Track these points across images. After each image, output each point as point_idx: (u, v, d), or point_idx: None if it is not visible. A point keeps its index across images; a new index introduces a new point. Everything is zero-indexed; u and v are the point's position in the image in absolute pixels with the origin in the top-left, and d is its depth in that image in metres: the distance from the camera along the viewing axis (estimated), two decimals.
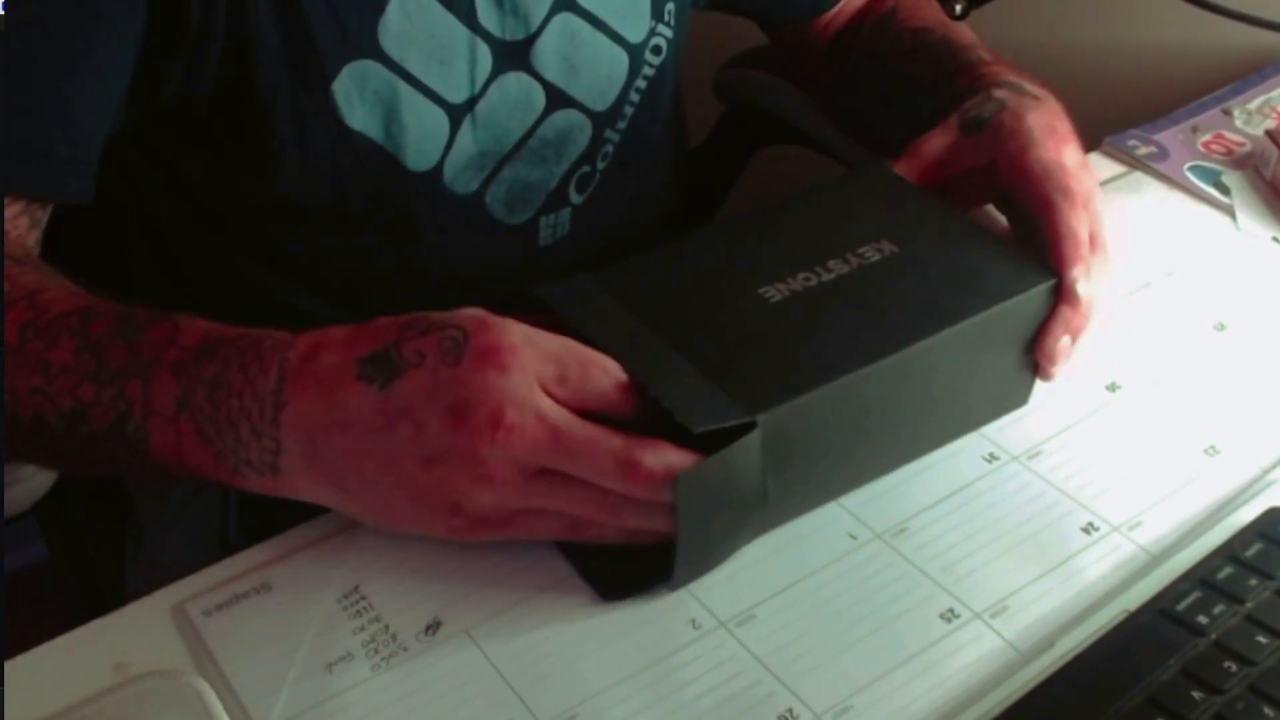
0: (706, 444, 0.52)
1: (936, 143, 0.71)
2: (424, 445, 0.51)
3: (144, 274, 0.86)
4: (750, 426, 0.53)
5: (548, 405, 0.51)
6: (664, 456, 0.52)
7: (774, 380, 0.55)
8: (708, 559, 0.57)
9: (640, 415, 0.53)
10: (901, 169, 0.70)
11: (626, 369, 0.54)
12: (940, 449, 0.64)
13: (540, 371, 0.52)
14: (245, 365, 0.54)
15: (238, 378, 0.54)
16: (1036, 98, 0.72)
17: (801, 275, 0.61)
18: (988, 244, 0.64)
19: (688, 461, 0.52)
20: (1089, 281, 0.62)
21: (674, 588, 0.57)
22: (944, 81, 0.78)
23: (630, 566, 0.56)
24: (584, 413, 0.53)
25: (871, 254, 0.62)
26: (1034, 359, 0.64)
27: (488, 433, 0.50)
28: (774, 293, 0.60)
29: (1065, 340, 0.63)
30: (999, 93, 0.72)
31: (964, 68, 0.78)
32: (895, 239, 0.63)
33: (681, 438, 0.52)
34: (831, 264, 0.61)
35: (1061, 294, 0.62)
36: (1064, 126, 0.70)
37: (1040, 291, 0.61)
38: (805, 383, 0.55)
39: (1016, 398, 0.66)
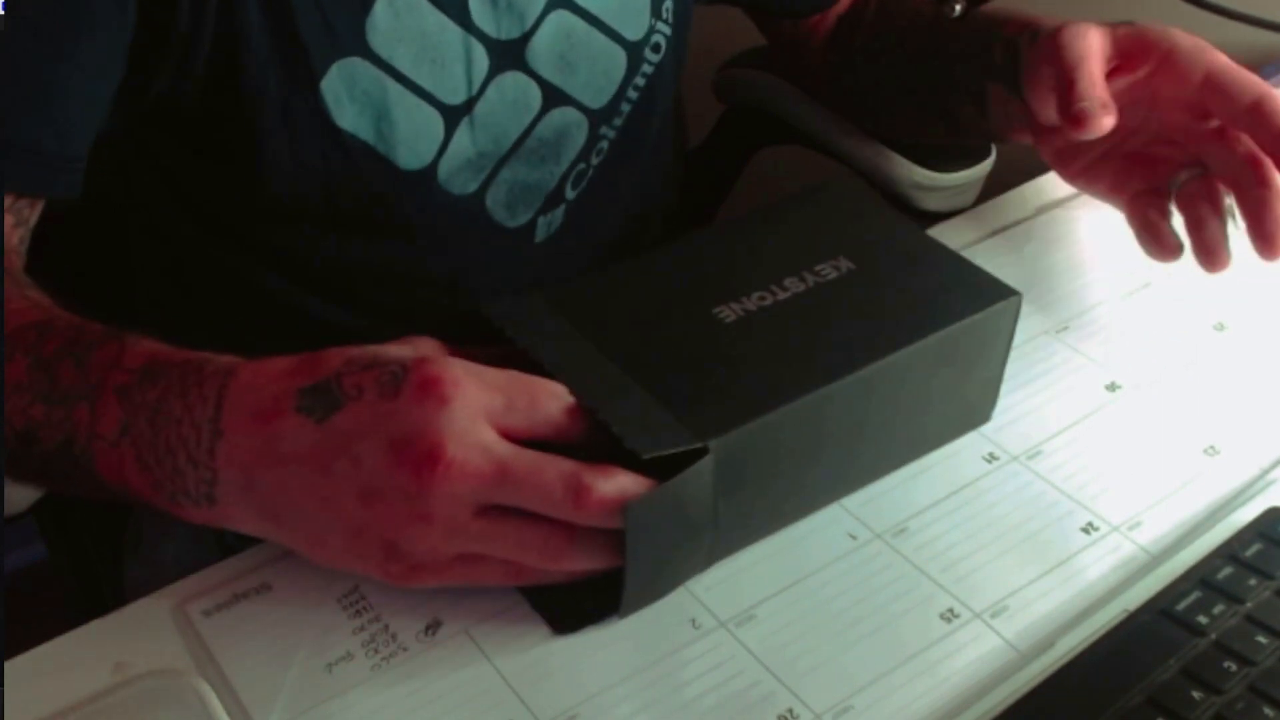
0: (659, 468, 0.51)
1: (1096, 35, 0.68)
2: (361, 481, 0.49)
3: (146, 277, 0.86)
4: (702, 452, 0.52)
5: (491, 438, 0.49)
6: (616, 482, 0.50)
7: (727, 404, 0.54)
8: (657, 587, 0.56)
9: (593, 441, 0.52)
10: (1086, 68, 0.66)
11: (574, 393, 0.53)
12: (939, 449, 0.64)
13: (487, 403, 0.50)
14: (185, 391, 0.53)
15: (177, 404, 0.53)
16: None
17: (757, 295, 0.60)
18: (948, 261, 0.63)
19: (640, 486, 0.50)
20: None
21: (622, 615, 0.56)
22: (984, 36, 0.76)
23: (581, 598, 0.55)
24: (534, 443, 0.51)
25: (829, 272, 0.61)
26: (1258, 242, 0.64)
27: (427, 468, 0.48)
28: (728, 313, 0.59)
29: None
30: (1046, 22, 0.70)
31: (1008, 22, 0.76)
32: (854, 256, 0.62)
33: (635, 462, 0.51)
34: (788, 282, 0.60)
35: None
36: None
37: (1000, 309, 0.61)
38: (759, 406, 0.54)
39: (978, 416, 0.65)
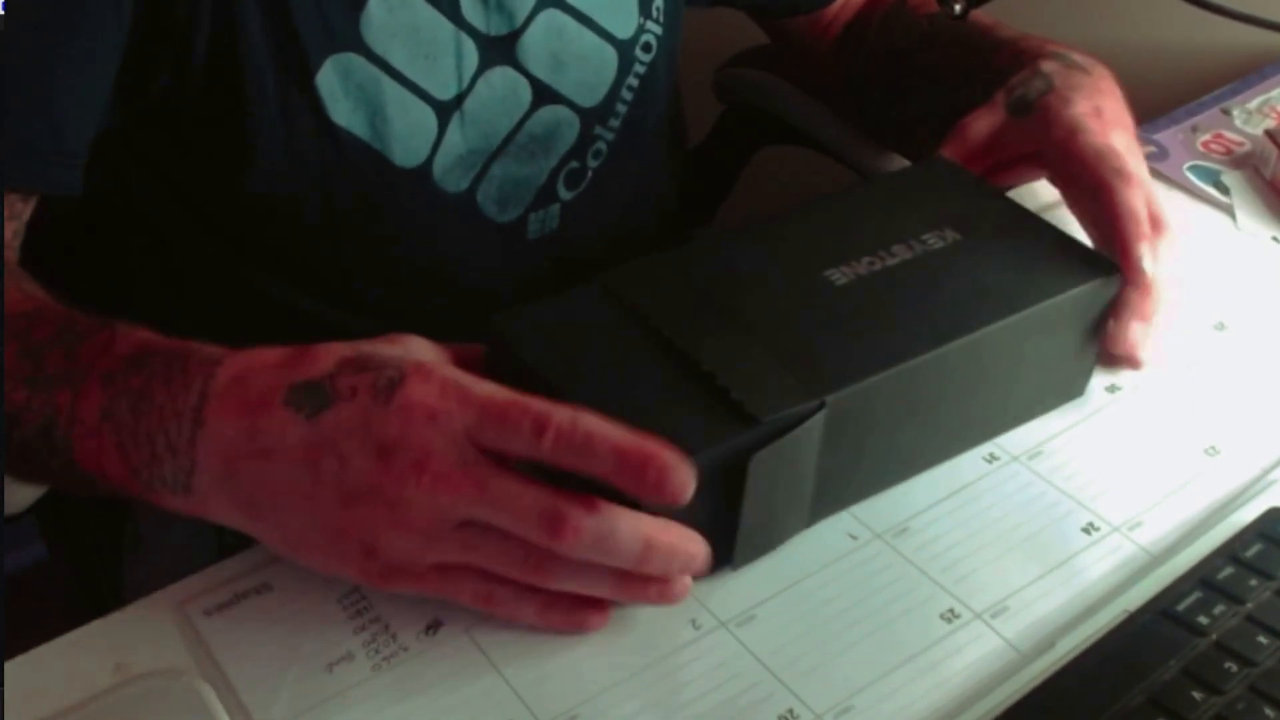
0: (749, 418, 0.52)
1: (983, 124, 0.70)
2: (345, 482, 0.49)
3: (144, 279, 0.86)
4: (818, 408, 0.54)
5: (473, 456, 0.49)
6: (592, 511, 0.49)
7: (840, 361, 0.56)
8: (767, 539, 0.58)
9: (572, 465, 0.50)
10: (947, 152, 0.70)
11: (690, 351, 0.55)
12: None
13: (464, 417, 0.49)
14: (170, 379, 0.53)
15: (160, 391, 0.52)
16: (1085, 70, 0.71)
17: (866, 260, 0.61)
18: (1051, 235, 0.65)
19: (617, 519, 0.50)
20: (1155, 260, 0.62)
21: (736, 567, 0.57)
22: (978, 64, 0.77)
23: None
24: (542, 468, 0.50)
25: (935, 241, 0.63)
26: (1109, 350, 0.64)
27: (411, 476, 0.49)
28: (839, 276, 0.60)
29: (1139, 326, 0.63)
30: (1047, 66, 0.71)
31: (1000, 45, 0.77)
32: (959, 228, 0.64)
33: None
34: (895, 249, 0.62)
35: (1129, 275, 0.61)
36: (1111, 106, 0.70)
37: (1102, 283, 0.62)
38: (872, 365, 0.56)
39: (1074, 389, 0.67)
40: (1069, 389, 0.66)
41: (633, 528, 0.50)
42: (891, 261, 0.61)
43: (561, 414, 0.49)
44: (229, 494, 0.52)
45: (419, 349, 0.55)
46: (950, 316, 0.59)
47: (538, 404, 0.50)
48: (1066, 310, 0.62)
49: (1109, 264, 0.63)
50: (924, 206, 0.65)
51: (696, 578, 0.55)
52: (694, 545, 0.52)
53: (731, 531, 0.55)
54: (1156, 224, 0.64)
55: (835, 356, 0.56)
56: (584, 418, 0.49)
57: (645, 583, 0.53)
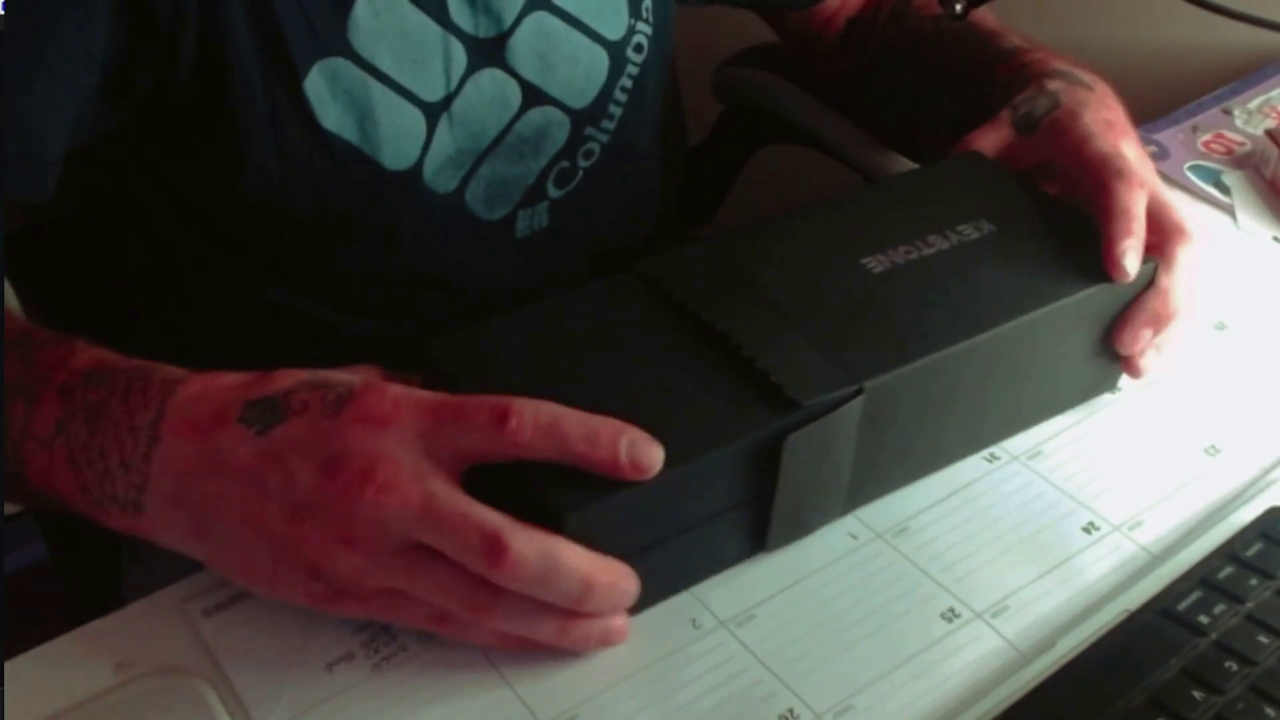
0: (792, 404, 0.53)
1: (989, 140, 0.70)
2: (292, 497, 0.49)
3: (144, 281, 0.86)
4: (856, 393, 0.54)
5: (424, 469, 0.48)
6: (536, 543, 0.48)
7: (878, 348, 0.56)
8: (801, 523, 0.58)
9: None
10: None
11: (730, 336, 0.55)
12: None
13: (418, 426, 0.49)
14: (128, 395, 0.52)
15: (118, 407, 0.52)
16: (1089, 87, 0.71)
17: (903, 249, 0.62)
18: (1087, 228, 0.65)
19: (560, 552, 0.48)
20: (1136, 257, 0.62)
21: (770, 549, 0.58)
22: (980, 71, 0.77)
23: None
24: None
25: (970, 232, 0.63)
26: (1115, 350, 0.64)
27: (357, 489, 0.47)
28: (876, 264, 0.61)
29: (1146, 332, 0.63)
30: (1052, 85, 0.71)
31: (1002, 56, 0.77)
32: (994, 219, 0.64)
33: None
34: (931, 239, 0.62)
35: (1109, 272, 0.61)
36: (1120, 119, 0.70)
37: (1138, 275, 0.62)
38: (911, 352, 0.56)
39: (1106, 382, 0.67)
40: (1103, 381, 0.67)
41: (575, 564, 0.49)
42: (928, 251, 0.62)
43: (522, 401, 0.49)
44: (180, 513, 0.51)
45: (373, 376, 0.54)
46: (988, 305, 0.59)
47: (494, 398, 0.49)
48: (1102, 301, 0.62)
49: (1147, 257, 0.63)
50: (958, 198, 0.66)
51: (712, 575, 0.56)
52: (630, 583, 0.51)
53: (766, 515, 0.56)
54: (1177, 231, 0.64)
55: (873, 343, 0.57)
56: (545, 404, 0.49)
57: (584, 629, 0.52)
